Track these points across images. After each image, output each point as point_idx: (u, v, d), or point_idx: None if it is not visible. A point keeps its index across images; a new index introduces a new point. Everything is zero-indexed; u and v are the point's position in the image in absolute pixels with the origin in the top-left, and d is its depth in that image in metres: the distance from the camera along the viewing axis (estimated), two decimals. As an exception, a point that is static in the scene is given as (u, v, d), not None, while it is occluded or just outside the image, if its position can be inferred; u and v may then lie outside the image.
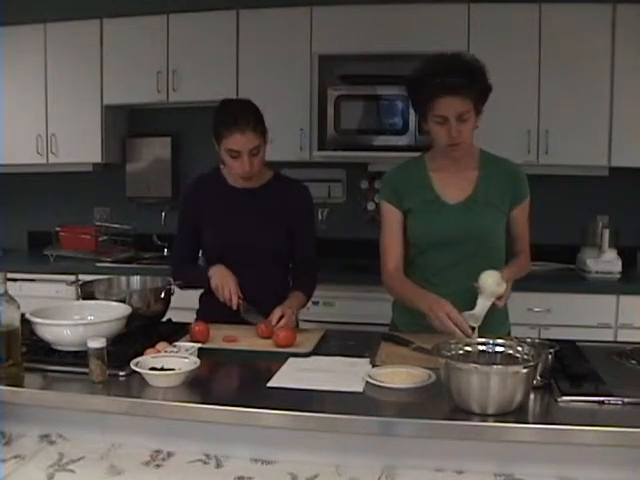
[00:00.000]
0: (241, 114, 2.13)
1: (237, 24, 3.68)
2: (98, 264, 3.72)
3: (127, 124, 4.21)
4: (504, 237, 2.15)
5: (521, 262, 2.15)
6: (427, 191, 2.12)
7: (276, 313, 2.06)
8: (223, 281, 2.14)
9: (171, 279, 2.23)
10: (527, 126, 3.42)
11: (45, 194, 4.33)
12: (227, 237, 2.25)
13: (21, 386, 1.60)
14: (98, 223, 4.14)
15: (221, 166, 2.32)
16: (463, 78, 1.94)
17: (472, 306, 1.89)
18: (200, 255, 2.42)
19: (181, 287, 2.21)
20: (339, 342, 2.07)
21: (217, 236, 2.27)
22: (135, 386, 1.61)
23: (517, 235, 2.16)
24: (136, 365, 1.61)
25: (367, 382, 1.60)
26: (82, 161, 3.98)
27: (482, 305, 1.88)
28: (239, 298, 2.12)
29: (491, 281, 1.89)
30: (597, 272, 3.35)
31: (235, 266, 2.21)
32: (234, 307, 2.12)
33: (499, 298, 1.91)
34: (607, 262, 3.36)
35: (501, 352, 1.54)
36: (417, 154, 2.25)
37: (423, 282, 2.08)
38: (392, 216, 2.16)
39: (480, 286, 1.89)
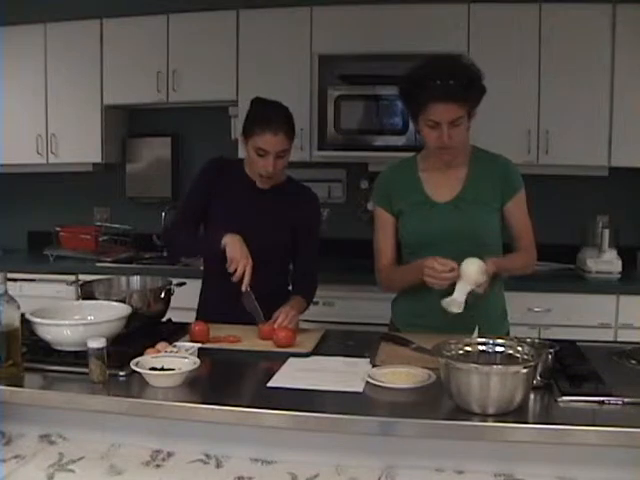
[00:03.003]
0: (276, 116, 2.14)
1: (237, 24, 3.68)
2: (98, 264, 3.72)
3: (127, 124, 4.21)
4: (500, 234, 2.14)
5: (518, 257, 2.12)
6: (417, 192, 2.12)
7: (279, 314, 2.06)
8: (241, 259, 2.06)
9: (172, 280, 2.23)
10: (527, 126, 3.42)
11: (45, 194, 4.33)
12: (229, 228, 2.25)
13: (21, 386, 1.60)
14: (98, 223, 4.15)
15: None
16: (459, 84, 1.92)
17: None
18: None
19: (173, 254, 2.18)
20: (339, 342, 2.08)
21: (220, 224, 2.26)
22: (135, 386, 1.61)
23: (517, 232, 2.13)
24: (136, 365, 1.61)
25: (367, 382, 1.60)
26: (82, 161, 3.98)
27: (461, 289, 1.85)
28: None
29: (473, 269, 1.86)
30: (597, 272, 3.34)
31: None
32: (243, 288, 2.07)
33: (479, 286, 1.89)
34: (607, 262, 3.35)
35: (501, 352, 1.54)
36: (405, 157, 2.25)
37: (416, 283, 2.07)
38: (384, 219, 2.17)
39: (461, 271, 1.86)
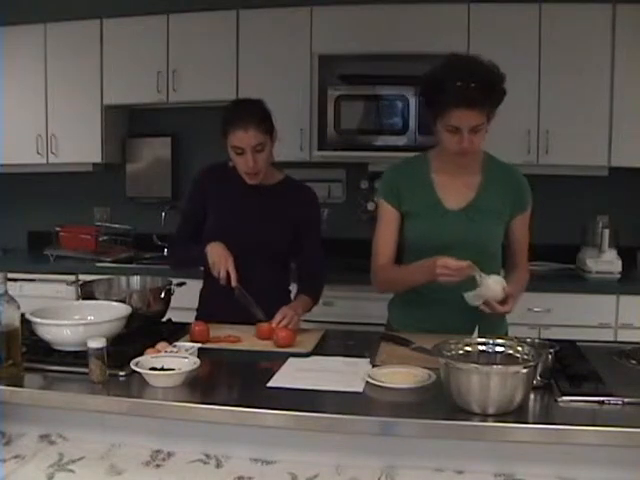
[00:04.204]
0: (246, 111, 2.16)
1: (237, 24, 3.68)
2: (98, 264, 3.72)
3: (127, 124, 4.21)
4: (501, 244, 2.12)
5: (522, 279, 2.12)
6: (428, 195, 2.08)
7: (280, 315, 2.06)
8: (221, 259, 2.12)
9: (172, 280, 2.23)
10: (527, 126, 3.42)
11: (45, 194, 4.33)
12: (228, 229, 2.26)
13: (21, 386, 1.60)
14: (98, 223, 4.15)
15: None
16: (483, 91, 1.86)
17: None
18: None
19: (174, 268, 2.22)
20: (339, 342, 2.08)
21: (218, 226, 2.27)
22: (135, 386, 1.61)
23: (516, 246, 2.13)
24: (136, 365, 1.61)
25: (367, 382, 1.60)
26: (82, 161, 3.98)
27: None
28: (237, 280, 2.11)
29: (498, 288, 1.84)
30: (597, 272, 3.34)
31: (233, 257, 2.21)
32: (232, 284, 2.11)
33: (500, 303, 1.86)
34: (607, 262, 3.35)
35: (501, 352, 1.54)
36: (416, 154, 2.24)
37: (419, 286, 2.05)
38: (389, 216, 2.12)
39: (485, 286, 1.84)
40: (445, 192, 2.08)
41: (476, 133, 1.93)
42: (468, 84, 1.86)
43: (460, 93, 1.86)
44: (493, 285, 1.85)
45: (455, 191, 2.07)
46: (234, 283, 2.11)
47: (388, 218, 2.13)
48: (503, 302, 1.87)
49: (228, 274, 2.11)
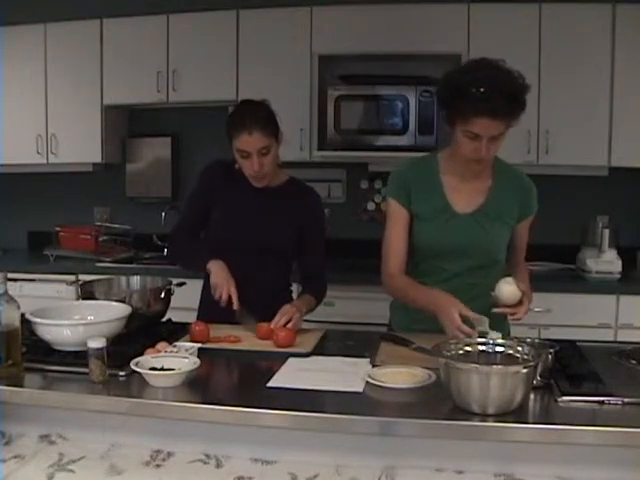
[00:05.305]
0: (250, 115, 2.14)
1: (237, 24, 3.68)
2: (98, 264, 3.72)
3: (127, 124, 4.21)
4: (506, 247, 2.12)
5: (526, 277, 2.09)
6: (437, 197, 2.05)
7: (279, 315, 2.05)
8: (223, 283, 2.13)
9: (172, 280, 2.23)
10: (527, 126, 3.41)
11: (45, 194, 4.33)
12: (232, 227, 2.26)
13: (21, 386, 1.60)
14: (98, 223, 4.15)
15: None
16: (507, 101, 1.81)
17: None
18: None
19: (174, 264, 2.21)
20: (339, 342, 2.08)
21: (222, 224, 2.27)
22: (135, 386, 1.61)
23: (518, 246, 2.14)
24: (136, 365, 1.61)
25: (367, 382, 1.60)
26: (82, 161, 3.98)
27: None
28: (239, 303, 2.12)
29: (511, 289, 1.82)
30: (597, 272, 3.34)
31: (235, 257, 2.21)
32: (235, 307, 2.10)
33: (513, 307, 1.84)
34: (607, 262, 3.35)
35: (501, 352, 1.54)
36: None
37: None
38: (399, 215, 2.08)
39: (498, 293, 1.83)
40: (455, 195, 2.06)
41: (495, 141, 1.90)
42: (492, 93, 1.81)
43: (484, 102, 1.81)
44: (506, 288, 1.83)
45: (465, 195, 2.05)
46: (236, 306, 2.11)
47: (398, 218, 2.09)
48: (519, 303, 1.84)
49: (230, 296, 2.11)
